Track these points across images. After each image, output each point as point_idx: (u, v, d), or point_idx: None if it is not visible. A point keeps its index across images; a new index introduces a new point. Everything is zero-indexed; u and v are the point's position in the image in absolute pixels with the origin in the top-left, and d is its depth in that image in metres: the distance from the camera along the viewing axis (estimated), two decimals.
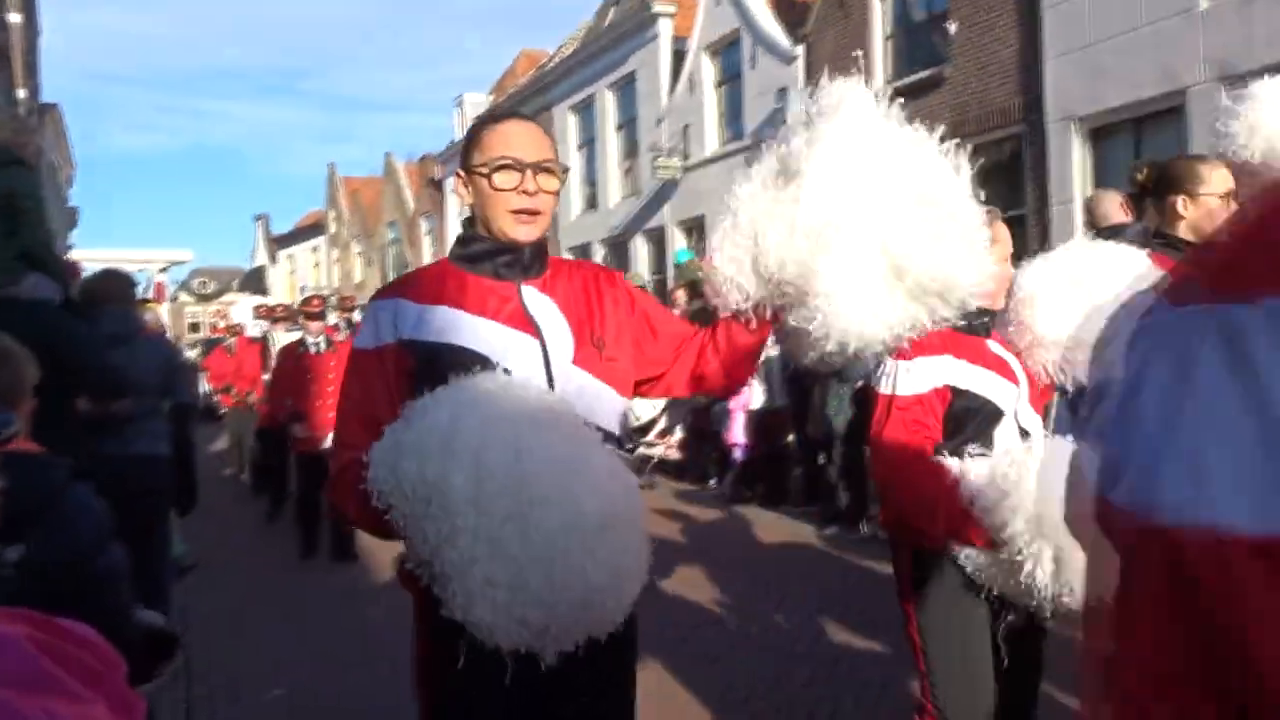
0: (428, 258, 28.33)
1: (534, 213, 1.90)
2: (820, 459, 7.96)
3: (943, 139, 1.91)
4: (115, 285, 4.70)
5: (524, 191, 1.87)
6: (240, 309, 16.29)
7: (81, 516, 2.01)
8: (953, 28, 12.34)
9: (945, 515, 2.22)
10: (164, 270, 22.55)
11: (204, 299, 53.51)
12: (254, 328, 12.09)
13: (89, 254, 15.77)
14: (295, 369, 7.26)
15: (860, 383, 7.16)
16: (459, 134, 29.53)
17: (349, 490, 1.70)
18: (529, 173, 1.87)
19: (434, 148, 32.17)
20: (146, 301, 8.90)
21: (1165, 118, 10.19)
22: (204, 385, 14.71)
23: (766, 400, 8.61)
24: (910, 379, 2.34)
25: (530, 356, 1.85)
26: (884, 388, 2.39)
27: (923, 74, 12.84)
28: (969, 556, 2.29)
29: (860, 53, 13.68)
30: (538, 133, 1.96)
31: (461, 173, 1.96)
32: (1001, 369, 2.42)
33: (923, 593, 2.42)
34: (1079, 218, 9.69)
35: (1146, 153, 10.55)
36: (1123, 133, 10.84)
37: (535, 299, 1.93)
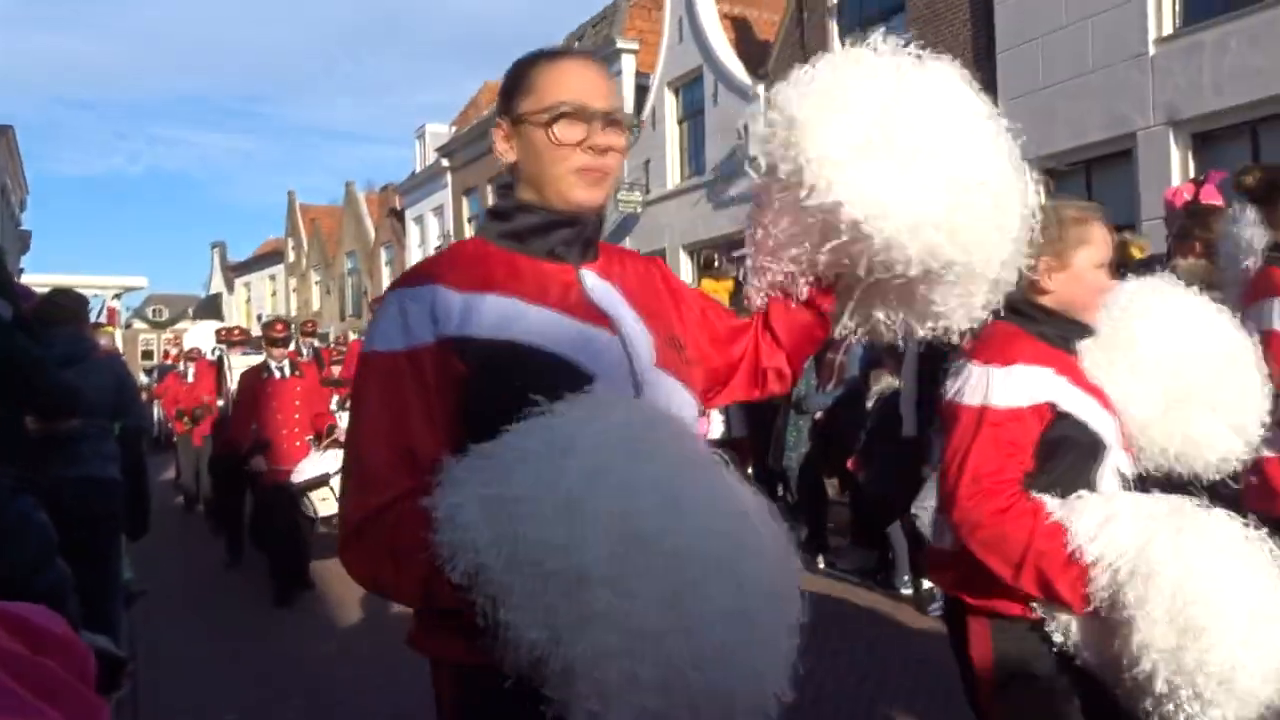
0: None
1: (603, 173, 1.51)
2: (780, 490, 7.99)
3: None
4: (67, 305, 4.62)
5: (591, 147, 1.48)
6: (195, 335, 16.03)
7: (23, 532, 1.96)
8: None
9: (1036, 565, 1.82)
10: (118, 296, 22.09)
11: (158, 326, 52.75)
12: (213, 352, 11.87)
13: (42, 279, 15.45)
14: (259, 394, 7.05)
15: (819, 415, 7.24)
16: (420, 165, 29.48)
17: (381, 546, 1.31)
18: (597, 124, 1.48)
19: (395, 178, 32.19)
20: (100, 325, 8.75)
21: (1115, 160, 10.48)
22: (158, 412, 14.48)
23: (725, 431, 8.63)
24: (1008, 389, 1.91)
25: (611, 356, 1.46)
26: (970, 398, 1.94)
27: None
28: (1064, 627, 1.88)
29: None
30: (605, 75, 1.57)
31: (504, 122, 1.53)
32: (1100, 396, 2.02)
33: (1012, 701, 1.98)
34: None
35: (1097, 195, 10.85)
36: (1074, 174, 11.11)
37: (598, 286, 1.53)
